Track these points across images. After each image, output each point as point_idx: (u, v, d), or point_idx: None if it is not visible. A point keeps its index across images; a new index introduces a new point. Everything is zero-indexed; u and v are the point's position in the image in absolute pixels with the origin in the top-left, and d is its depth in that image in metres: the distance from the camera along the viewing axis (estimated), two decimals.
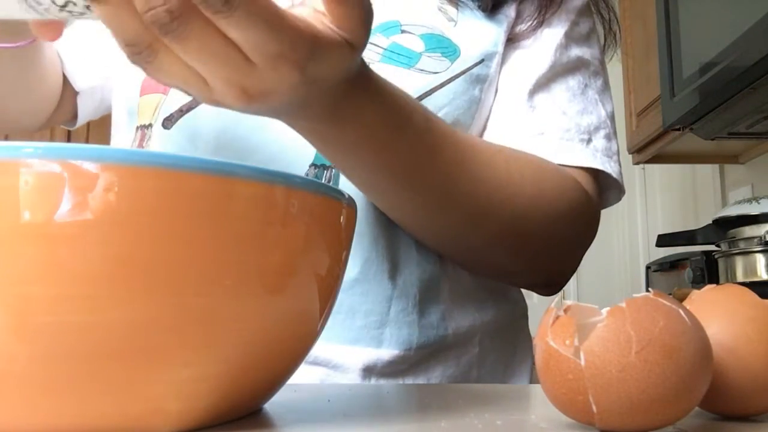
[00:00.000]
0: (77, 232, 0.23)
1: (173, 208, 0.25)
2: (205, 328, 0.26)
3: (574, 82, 0.61)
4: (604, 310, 0.26)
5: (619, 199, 0.62)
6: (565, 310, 0.27)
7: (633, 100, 2.17)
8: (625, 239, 3.08)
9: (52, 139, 2.73)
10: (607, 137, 0.60)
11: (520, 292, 0.66)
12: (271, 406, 0.34)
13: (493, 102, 0.60)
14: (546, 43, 0.61)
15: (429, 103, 0.55)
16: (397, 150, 0.45)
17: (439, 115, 0.53)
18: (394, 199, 0.49)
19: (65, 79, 0.68)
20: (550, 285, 0.59)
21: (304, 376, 0.51)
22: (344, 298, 0.53)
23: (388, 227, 0.54)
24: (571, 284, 3.20)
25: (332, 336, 0.52)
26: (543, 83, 0.59)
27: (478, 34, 0.59)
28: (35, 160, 0.23)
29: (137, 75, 0.60)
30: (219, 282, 0.26)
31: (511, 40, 0.60)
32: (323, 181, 0.54)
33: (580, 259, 0.59)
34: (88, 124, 0.75)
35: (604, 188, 0.61)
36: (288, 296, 0.29)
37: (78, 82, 0.69)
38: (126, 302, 0.24)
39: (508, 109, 0.59)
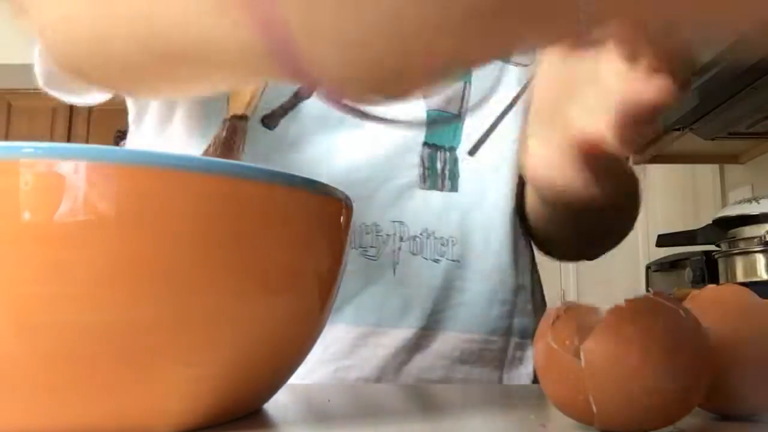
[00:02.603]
0: (77, 232, 0.23)
1: (173, 208, 0.25)
2: (206, 328, 0.26)
3: None
4: (604, 310, 0.26)
5: None
6: (565, 310, 0.27)
7: None
8: (625, 239, 3.07)
9: (52, 138, 2.73)
10: None
11: None
12: (271, 406, 0.34)
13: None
14: None
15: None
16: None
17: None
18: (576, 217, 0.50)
19: None
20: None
21: (447, 373, 0.52)
22: (483, 287, 0.53)
23: (513, 219, 0.55)
24: (571, 284, 3.20)
25: (473, 326, 0.52)
26: None
27: None
28: (35, 160, 0.23)
29: None
30: (219, 282, 0.26)
31: None
32: (439, 163, 0.53)
33: None
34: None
35: None
36: (288, 296, 0.29)
37: None
38: (126, 302, 0.24)
39: None
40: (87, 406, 0.25)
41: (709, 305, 0.30)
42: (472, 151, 0.55)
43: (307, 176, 0.28)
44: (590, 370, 0.25)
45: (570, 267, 3.11)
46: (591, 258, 0.63)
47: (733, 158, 2.11)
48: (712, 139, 1.78)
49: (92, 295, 0.24)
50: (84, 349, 0.24)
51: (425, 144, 0.53)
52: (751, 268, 1.53)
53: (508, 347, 0.54)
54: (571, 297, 3.06)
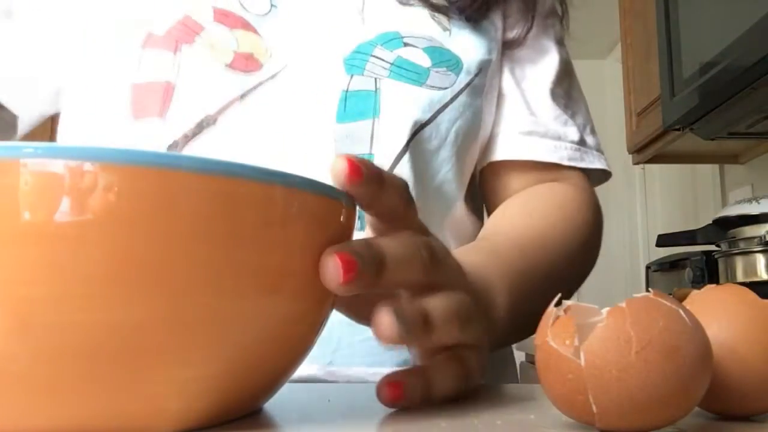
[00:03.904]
0: (77, 232, 0.23)
1: (173, 208, 0.25)
2: (205, 328, 0.26)
3: (566, 84, 0.64)
4: (604, 310, 0.26)
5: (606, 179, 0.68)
6: (565, 310, 0.27)
7: (633, 100, 2.18)
8: (625, 239, 3.08)
9: (52, 139, 2.73)
10: (593, 130, 0.65)
11: None
12: (271, 406, 0.34)
13: (497, 109, 0.62)
14: (545, 48, 0.63)
15: (443, 119, 0.56)
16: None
17: (452, 129, 0.56)
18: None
19: None
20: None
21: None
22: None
23: None
24: None
25: (360, 362, 0.52)
26: (554, 89, 0.63)
27: (473, 43, 0.60)
28: (35, 160, 0.23)
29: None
30: (219, 282, 0.26)
31: (507, 46, 0.63)
32: None
33: None
34: None
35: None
36: (288, 296, 0.29)
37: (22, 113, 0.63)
38: (126, 302, 0.24)
39: (523, 116, 0.61)
40: (87, 406, 0.25)
41: (709, 305, 0.30)
42: None
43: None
44: (590, 370, 0.25)
45: None
46: None
47: (733, 158, 2.11)
48: (712, 139, 1.78)
49: (92, 295, 0.24)
50: (83, 349, 0.24)
51: None
52: (751, 268, 1.53)
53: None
54: (571, 297, 3.06)
